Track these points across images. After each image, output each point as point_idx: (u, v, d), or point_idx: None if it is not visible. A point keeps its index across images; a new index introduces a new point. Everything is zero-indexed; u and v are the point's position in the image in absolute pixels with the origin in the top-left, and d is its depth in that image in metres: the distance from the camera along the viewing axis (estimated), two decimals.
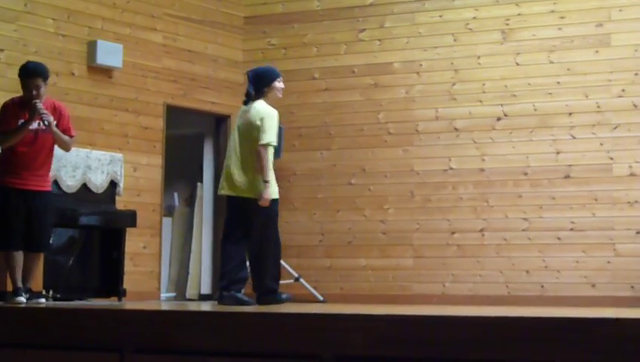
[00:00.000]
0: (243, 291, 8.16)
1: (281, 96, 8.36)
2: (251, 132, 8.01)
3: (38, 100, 7.61)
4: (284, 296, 8.22)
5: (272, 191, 8.02)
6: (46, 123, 7.58)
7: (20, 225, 7.68)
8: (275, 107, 8.11)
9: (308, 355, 3.89)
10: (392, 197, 11.13)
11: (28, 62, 8.02)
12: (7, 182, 7.71)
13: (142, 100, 10.95)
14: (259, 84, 8.18)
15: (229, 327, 4.23)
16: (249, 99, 8.17)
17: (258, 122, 7.97)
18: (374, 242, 11.15)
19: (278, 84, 8.25)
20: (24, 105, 7.71)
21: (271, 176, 7.96)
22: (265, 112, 8.03)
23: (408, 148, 11.17)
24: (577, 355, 3.38)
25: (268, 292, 8.12)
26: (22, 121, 7.66)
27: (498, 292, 10.56)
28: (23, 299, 7.58)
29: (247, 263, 8.25)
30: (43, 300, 8.09)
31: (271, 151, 7.97)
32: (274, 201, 8.10)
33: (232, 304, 7.78)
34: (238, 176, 8.02)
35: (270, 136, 7.96)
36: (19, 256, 7.70)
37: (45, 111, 7.61)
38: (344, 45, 11.67)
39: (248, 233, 8.09)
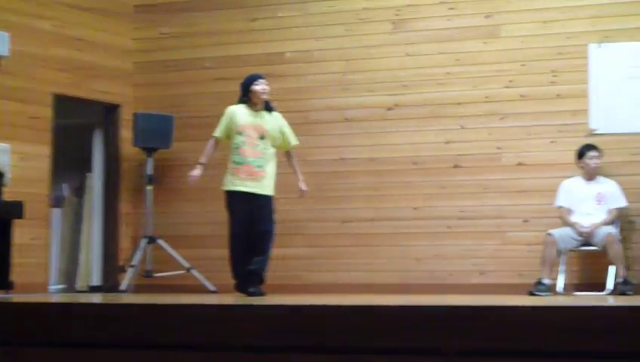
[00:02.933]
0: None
1: (264, 96, 8.98)
2: None
3: None
4: (251, 289, 8.77)
5: (224, 182, 8.89)
6: None
7: None
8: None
9: (196, 346, 3.87)
10: (285, 187, 11.10)
11: None
12: None
13: (30, 89, 10.73)
14: (242, 91, 9.03)
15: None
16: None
17: None
18: None
19: (255, 86, 8.94)
20: None
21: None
22: None
23: (300, 137, 11.14)
24: (465, 342, 3.43)
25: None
26: None
27: (390, 281, 10.65)
28: None
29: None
30: None
31: (211, 142, 9.06)
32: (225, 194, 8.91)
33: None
34: None
35: (217, 128, 9.02)
36: None
37: None
38: (236, 34, 11.62)
39: None
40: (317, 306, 3.67)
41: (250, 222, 8.80)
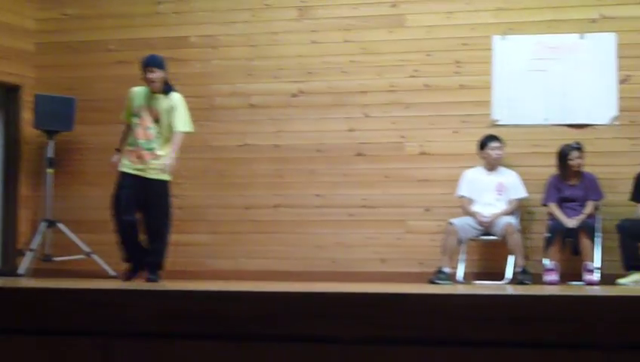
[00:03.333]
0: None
1: (152, 85, 8.84)
2: None
3: None
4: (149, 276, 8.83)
5: None
6: None
7: None
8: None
9: (95, 331, 3.81)
10: (187, 172, 11.03)
11: None
12: None
13: None
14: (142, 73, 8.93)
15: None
16: None
17: None
18: None
19: (144, 74, 8.85)
20: None
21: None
22: None
23: (204, 123, 11.09)
24: (364, 330, 3.42)
25: None
26: None
27: (292, 268, 10.65)
28: None
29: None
30: None
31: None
32: None
33: None
34: None
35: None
36: None
37: None
38: (141, 17, 11.48)
39: None
40: (213, 292, 3.63)
41: (137, 204, 8.71)
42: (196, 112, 11.07)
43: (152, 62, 8.83)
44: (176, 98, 8.88)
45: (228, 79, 11.16)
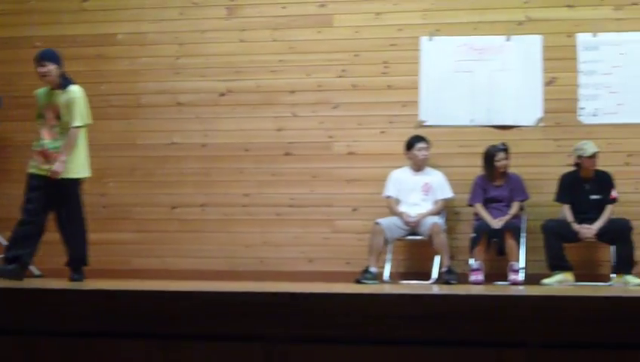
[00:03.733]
0: None
1: (44, 79, 8.63)
2: None
3: None
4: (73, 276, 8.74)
5: None
6: None
7: None
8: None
9: (18, 331, 3.76)
10: (113, 171, 10.95)
11: None
12: None
13: None
14: None
15: None
16: None
17: None
18: (95, 216, 10.86)
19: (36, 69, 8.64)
20: None
21: None
22: None
23: (131, 120, 11.02)
24: (288, 329, 3.43)
25: None
26: None
27: (219, 267, 10.61)
28: None
29: None
30: None
31: None
32: None
33: None
34: None
35: None
36: None
37: None
38: (68, 14, 11.34)
39: None
40: (136, 291, 3.61)
41: (48, 206, 8.54)
42: (123, 110, 11.04)
43: (42, 56, 8.62)
44: (72, 91, 8.55)
45: (155, 77, 11.08)
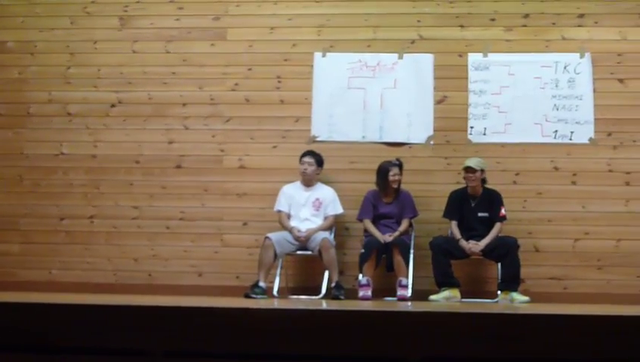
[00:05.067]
0: None
1: None
2: None
3: None
4: None
5: None
6: None
7: None
8: None
9: None
10: (0, 181, 10.75)
11: None
12: None
13: None
14: None
15: None
16: None
17: None
18: None
19: None
20: None
21: None
22: None
23: (19, 130, 10.84)
24: (172, 343, 3.40)
25: None
26: None
27: (106, 280, 10.49)
28: None
29: None
30: None
31: None
32: None
33: None
34: None
35: None
36: None
37: None
38: None
39: None
40: (19, 304, 3.54)
41: None
42: (11, 119, 10.85)
43: None
44: None
45: (45, 86, 10.92)
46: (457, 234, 9.86)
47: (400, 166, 10.08)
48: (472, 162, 9.90)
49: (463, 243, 9.75)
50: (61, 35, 10.99)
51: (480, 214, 9.93)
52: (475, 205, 9.95)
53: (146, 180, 10.69)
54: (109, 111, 10.81)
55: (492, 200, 9.96)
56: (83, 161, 10.78)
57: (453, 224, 9.94)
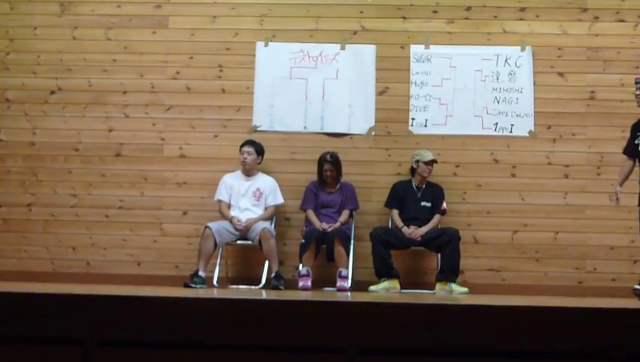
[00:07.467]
0: None
1: None
2: None
3: None
4: None
5: None
6: None
7: None
8: None
9: None
10: None
11: None
12: None
13: None
14: None
15: None
16: None
17: None
18: None
19: None
20: None
21: None
22: None
23: None
24: (109, 332, 3.37)
25: None
26: None
27: (43, 269, 10.39)
28: None
29: None
30: None
31: None
32: None
33: None
34: None
35: None
36: None
37: None
38: None
39: None
40: None
41: None
42: None
43: None
44: None
45: None
46: (399, 222, 9.91)
47: (333, 162, 10.09)
48: (431, 155, 9.98)
49: (405, 229, 9.80)
50: (0, 20, 10.84)
51: (423, 203, 10.01)
52: (419, 196, 10.02)
53: (85, 168, 10.60)
54: (49, 98, 10.70)
55: (435, 192, 10.05)
56: (21, 148, 10.66)
57: (395, 213, 10.00)
